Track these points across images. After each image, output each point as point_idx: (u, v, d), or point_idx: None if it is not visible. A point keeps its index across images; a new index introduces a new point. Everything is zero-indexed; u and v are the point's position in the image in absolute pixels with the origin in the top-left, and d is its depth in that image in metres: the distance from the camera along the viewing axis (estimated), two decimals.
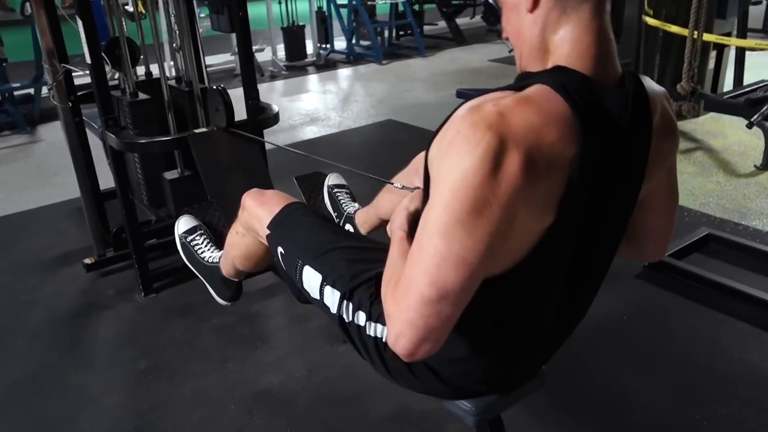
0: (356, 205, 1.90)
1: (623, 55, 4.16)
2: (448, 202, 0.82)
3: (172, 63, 3.02)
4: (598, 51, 0.91)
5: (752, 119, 2.90)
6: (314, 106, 5.33)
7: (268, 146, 2.33)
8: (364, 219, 1.77)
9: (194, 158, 2.09)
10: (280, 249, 1.35)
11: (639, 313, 2.28)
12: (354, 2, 6.86)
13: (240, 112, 2.23)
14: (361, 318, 1.20)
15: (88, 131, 2.58)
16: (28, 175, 3.96)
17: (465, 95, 3.71)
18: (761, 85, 3.25)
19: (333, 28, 7.23)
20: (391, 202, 1.52)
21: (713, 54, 4.34)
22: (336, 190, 1.95)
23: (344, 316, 1.22)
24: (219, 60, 6.90)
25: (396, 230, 1.07)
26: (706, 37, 2.97)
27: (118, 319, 2.38)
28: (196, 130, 2.18)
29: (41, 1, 2.32)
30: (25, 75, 4.98)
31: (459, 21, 8.23)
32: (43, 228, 3.18)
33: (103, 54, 2.33)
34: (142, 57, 2.57)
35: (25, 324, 2.36)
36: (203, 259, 1.76)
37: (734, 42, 4.02)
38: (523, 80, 0.91)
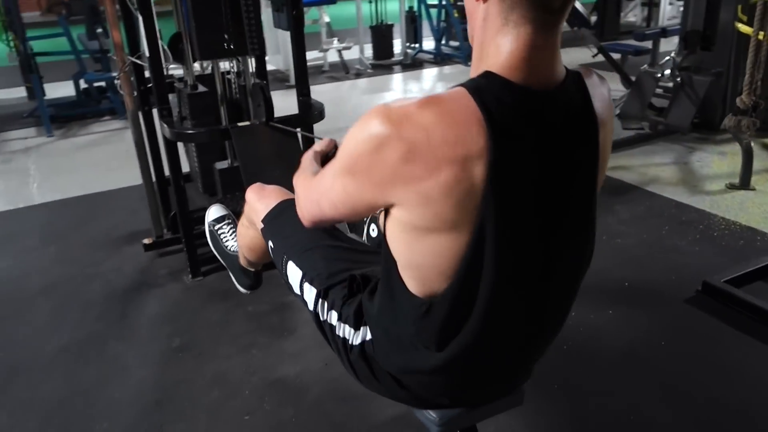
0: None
1: (716, 64, 3.91)
2: (340, 157, 0.96)
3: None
4: (533, 61, 0.88)
5: None
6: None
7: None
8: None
9: (234, 149, 2.18)
10: (270, 243, 1.40)
11: (679, 339, 2.14)
12: (444, 3, 6.83)
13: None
14: (334, 317, 1.22)
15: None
16: (118, 157, 4.26)
17: None
18: None
19: (422, 28, 7.24)
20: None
21: None
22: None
23: (319, 313, 1.25)
24: (309, 56, 7.08)
25: (310, 151, 1.32)
26: None
27: (165, 297, 2.53)
28: (240, 123, 2.27)
29: None
30: None
31: None
32: (118, 207, 3.42)
33: (166, 48, 2.48)
34: None
35: (83, 294, 2.57)
36: (227, 247, 1.84)
37: None
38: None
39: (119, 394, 1.98)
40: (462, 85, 0.88)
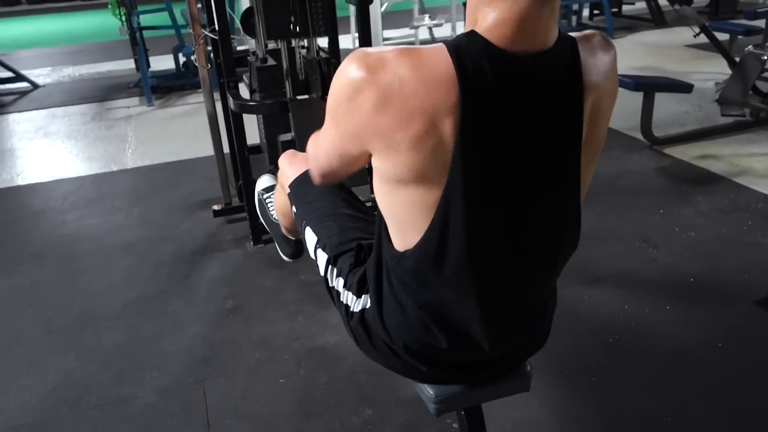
0: None
1: None
2: (327, 107, 0.97)
3: None
4: (521, 31, 0.86)
5: None
6: None
7: None
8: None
9: (291, 121, 2.24)
10: (293, 208, 1.45)
11: (740, 342, 1.99)
12: None
13: None
14: (340, 284, 1.26)
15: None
16: (205, 127, 4.47)
17: (619, 82, 3.43)
18: None
19: None
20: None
21: None
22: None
23: (328, 279, 1.29)
24: (400, 33, 7.10)
25: None
26: None
27: (227, 262, 2.66)
28: (299, 97, 2.33)
29: None
30: None
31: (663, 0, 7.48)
32: (199, 175, 3.61)
33: (238, 22, 2.58)
34: None
35: (156, 254, 2.75)
36: (272, 216, 1.90)
37: None
38: None
39: (171, 348, 2.12)
40: (444, 42, 0.88)
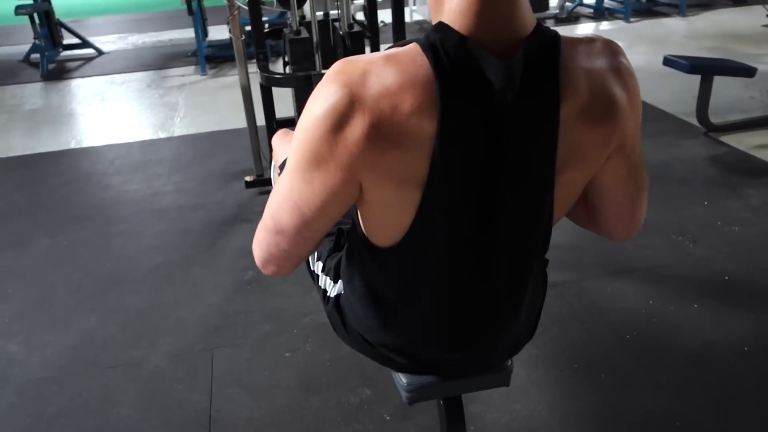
0: None
1: None
2: (296, 146, 0.86)
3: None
4: (486, 9, 0.79)
5: None
6: None
7: None
8: None
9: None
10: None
11: None
12: None
13: None
14: (319, 268, 1.25)
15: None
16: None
17: (674, 63, 3.25)
18: None
19: None
20: None
21: None
22: None
23: (309, 262, 1.28)
24: None
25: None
26: None
27: (252, 233, 2.67)
28: (322, 71, 2.31)
29: None
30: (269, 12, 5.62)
31: None
32: (239, 146, 3.65)
33: None
34: None
35: (186, 222, 2.81)
36: None
37: None
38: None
39: (187, 315, 2.17)
40: (416, 41, 0.83)
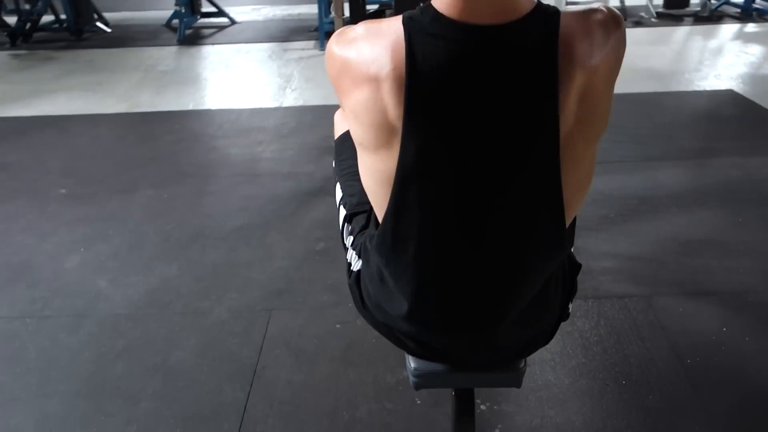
0: None
1: None
2: None
3: None
4: None
5: None
6: (655, 61, 4.79)
7: None
8: None
9: None
10: (333, 163, 1.49)
11: None
12: None
13: None
14: (349, 242, 1.30)
15: None
16: None
17: None
18: None
19: None
20: None
21: None
22: None
23: (343, 235, 1.34)
24: None
25: None
26: None
27: (332, 207, 2.77)
28: None
29: None
30: None
31: None
32: None
33: None
34: None
35: (274, 189, 2.96)
36: None
37: None
38: None
39: (256, 276, 2.30)
40: (403, 15, 0.88)
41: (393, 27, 0.85)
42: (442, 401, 1.71)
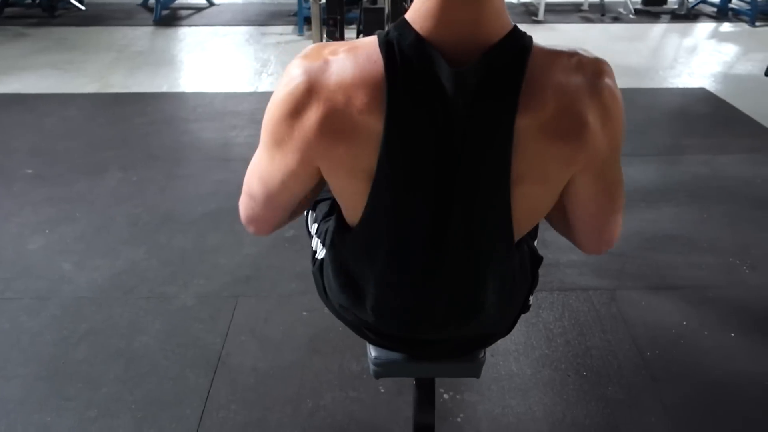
0: None
1: None
2: (264, 122, 0.90)
3: None
4: (448, 12, 0.79)
5: None
6: (631, 58, 4.84)
7: None
8: None
9: None
10: None
11: None
12: None
13: None
14: (314, 229, 1.29)
15: None
16: None
17: None
18: None
19: None
20: None
21: None
22: None
23: (308, 222, 1.33)
24: None
25: None
26: None
27: None
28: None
29: None
30: None
31: None
32: None
33: None
34: None
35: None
36: None
37: None
38: None
39: (224, 262, 2.28)
40: (377, 34, 0.84)
41: (371, 56, 0.79)
42: (405, 390, 1.72)
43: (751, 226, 2.51)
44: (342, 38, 2.52)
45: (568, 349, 1.87)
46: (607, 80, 0.82)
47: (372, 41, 0.82)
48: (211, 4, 6.58)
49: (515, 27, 0.81)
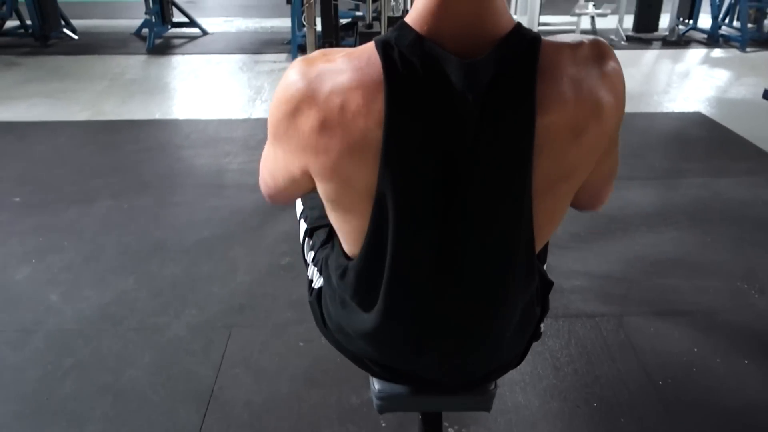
0: None
1: None
2: (268, 122, 0.89)
3: None
4: (449, 9, 0.75)
5: None
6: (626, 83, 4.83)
7: None
8: None
9: None
10: None
11: None
12: None
13: None
14: (310, 258, 1.23)
15: None
16: None
17: None
18: None
19: (702, 3, 6.31)
20: None
21: None
22: None
23: (304, 250, 1.27)
24: (559, 20, 6.72)
25: None
26: None
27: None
28: None
29: None
30: None
31: None
32: None
33: None
34: None
35: (241, 200, 2.86)
36: None
37: None
38: None
39: (217, 290, 2.21)
40: (375, 38, 0.80)
41: (369, 59, 0.76)
42: (408, 424, 1.64)
43: (757, 249, 2.46)
44: None
45: (576, 379, 1.79)
46: (612, 60, 0.81)
47: (370, 44, 0.78)
48: (205, 33, 6.60)
49: (519, 23, 0.78)
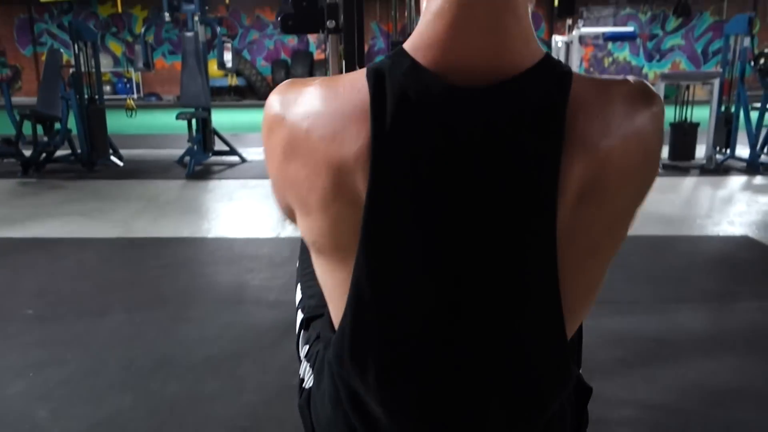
0: None
1: None
2: None
3: None
4: (458, 38, 0.64)
5: None
6: (665, 207, 4.69)
7: None
8: None
9: None
10: (297, 263, 1.32)
11: None
12: None
13: None
14: (304, 352, 1.08)
15: None
16: None
17: None
18: None
19: (738, 132, 6.27)
20: None
21: None
22: None
23: (300, 342, 1.13)
24: None
25: None
26: None
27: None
28: None
29: None
30: None
31: None
32: None
33: None
34: None
35: (257, 317, 2.72)
36: None
37: None
38: None
39: (220, 412, 2.00)
40: (368, 65, 0.70)
41: (354, 84, 0.66)
42: None
43: None
44: None
45: None
46: (660, 103, 0.68)
47: (360, 71, 0.67)
48: (244, 161, 6.81)
49: (548, 53, 0.64)
